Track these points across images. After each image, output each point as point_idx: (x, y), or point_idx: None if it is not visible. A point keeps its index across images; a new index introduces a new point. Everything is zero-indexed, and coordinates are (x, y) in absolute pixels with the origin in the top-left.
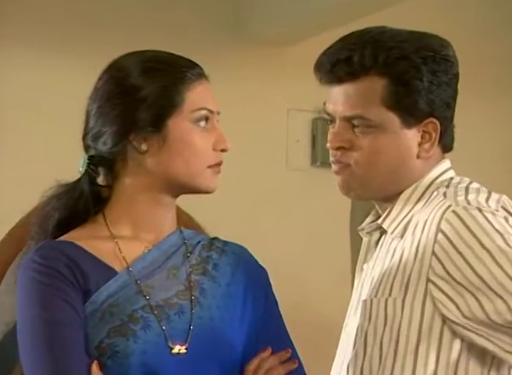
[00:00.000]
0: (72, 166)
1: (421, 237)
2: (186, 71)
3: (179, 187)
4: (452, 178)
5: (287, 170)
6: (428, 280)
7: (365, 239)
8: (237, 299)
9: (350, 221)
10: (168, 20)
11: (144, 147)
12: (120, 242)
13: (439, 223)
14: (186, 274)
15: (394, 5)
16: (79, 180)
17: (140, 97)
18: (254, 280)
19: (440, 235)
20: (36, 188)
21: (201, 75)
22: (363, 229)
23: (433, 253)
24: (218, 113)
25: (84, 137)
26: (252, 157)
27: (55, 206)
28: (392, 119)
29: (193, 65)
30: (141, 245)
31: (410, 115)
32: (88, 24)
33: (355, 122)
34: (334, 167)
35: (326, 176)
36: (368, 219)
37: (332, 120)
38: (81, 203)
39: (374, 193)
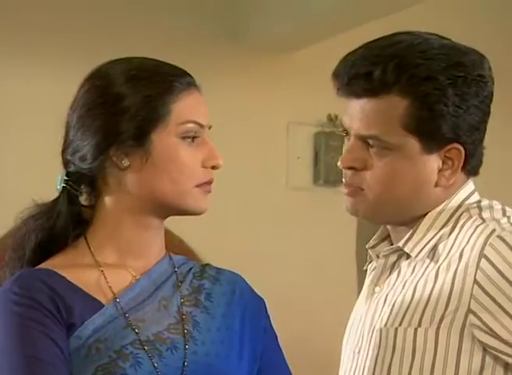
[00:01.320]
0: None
1: (459, 263)
2: (173, 80)
3: (165, 208)
4: (480, 201)
5: (287, 189)
6: (470, 310)
7: (380, 261)
8: (234, 333)
9: (356, 244)
10: (166, 27)
11: (125, 163)
12: (106, 271)
13: (483, 248)
14: (177, 306)
15: (399, 11)
16: (57, 199)
17: (122, 107)
18: (251, 312)
19: (484, 261)
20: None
21: (191, 85)
22: (372, 247)
23: (475, 281)
24: (210, 127)
25: (63, 152)
26: (249, 175)
27: (31, 228)
28: (412, 143)
29: (182, 73)
30: (128, 274)
31: (432, 140)
32: (84, 31)
33: (370, 142)
34: (345, 189)
35: (330, 195)
36: (376, 239)
37: (348, 134)
38: (59, 225)
39: (385, 218)
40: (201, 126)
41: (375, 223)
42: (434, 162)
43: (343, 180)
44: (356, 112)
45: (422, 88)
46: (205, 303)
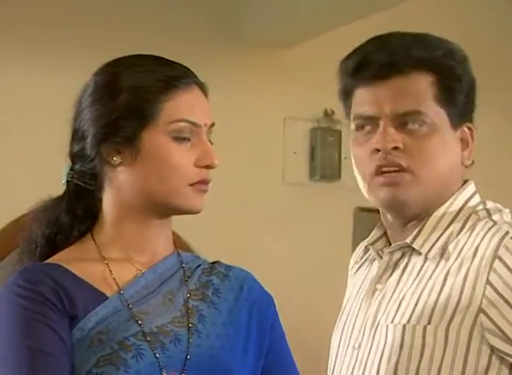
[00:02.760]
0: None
1: (471, 263)
2: (169, 79)
3: (159, 207)
4: (484, 203)
5: (283, 185)
6: (480, 310)
7: (385, 258)
8: (240, 328)
9: (353, 239)
10: (163, 23)
11: (116, 160)
12: (111, 265)
13: (497, 249)
14: (183, 300)
15: (391, 8)
16: (63, 193)
17: (115, 104)
18: (258, 308)
19: (497, 262)
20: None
21: (190, 84)
22: (371, 244)
23: (488, 282)
24: (211, 126)
25: (70, 147)
26: (245, 170)
27: (39, 223)
28: (444, 117)
29: (181, 72)
30: (133, 268)
31: (458, 114)
32: (85, 29)
33: (409, 119)
34: (383, 178)
35: (326, 190)
36: (374, 236)
37: (366, 124)
38: (63, 219)
39: (417, 206)
40: (195, 125)
41: (401, 215)
42: (458, 139)
43: (379, 163)
44: (387, 94)
45: (448, 62)
46: (213, 298)
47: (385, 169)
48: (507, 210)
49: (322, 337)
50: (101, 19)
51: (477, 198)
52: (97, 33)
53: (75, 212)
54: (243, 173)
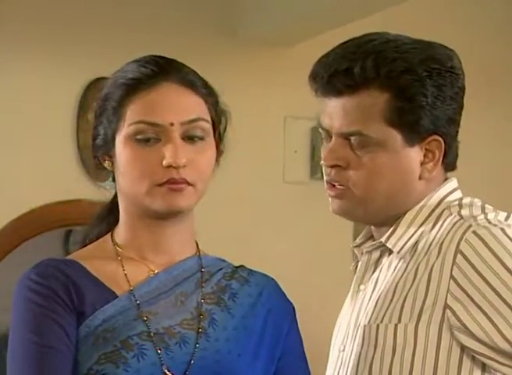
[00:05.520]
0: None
1: (436, 259)
2: (131, 82)
3: (143, 210)
4: (461, 198)
5: (284, 183)
6: (446, 306)
7: (364, 258)
8: (253, 333)
9: (353, 238)
10: (164, 22)
11: (107, 165)
12: (126, 264)
13: (458, 244)
14: (196, 303)
15: (393, 7)
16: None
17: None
18: (274, 315)
19: (459, 257)
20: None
21: (158, 82)
22: (357, 246)
23: (451, 277)
24: (192, 122)
25: None
26: (246, 169)
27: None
28: (394, 136)
29: (147, 72)
30: (148, 269)
31: (413, 132)
32: (79, 26)
33: (353, 138)
34: (329, 190)
35: None
36: (362, 238)
37: (328, 135)
38: (101, 218)
39: (371, 217)
40: (156, 125)
41: (363, 223)
42: (416, 154)
43: (326, 178)
44: (336, 111)
45: (402, 81)
46: (228, 302)
47: (329, 188)
48: (479, 204)
49: (322, 336)
50: (100, 18)
51: (457, 194)
52: (95, 33)
53: (108, 213)
54: (243, 172)
